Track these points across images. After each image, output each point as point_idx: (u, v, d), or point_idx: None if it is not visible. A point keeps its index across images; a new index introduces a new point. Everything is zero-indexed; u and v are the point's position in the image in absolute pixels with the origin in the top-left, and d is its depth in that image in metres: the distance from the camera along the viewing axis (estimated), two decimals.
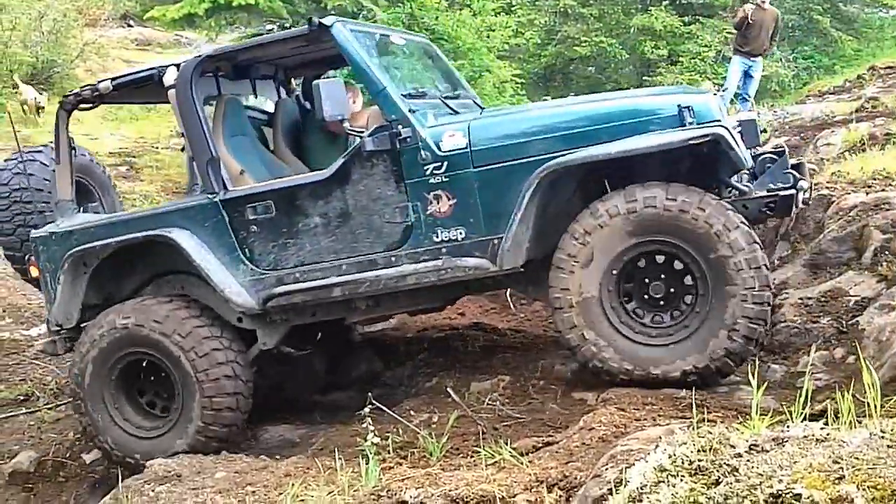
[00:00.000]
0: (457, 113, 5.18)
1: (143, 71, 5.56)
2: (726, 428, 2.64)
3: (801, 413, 3.08)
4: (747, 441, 2.41)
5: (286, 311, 5.36)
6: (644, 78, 19.58)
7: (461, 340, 6.23)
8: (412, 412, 5.09)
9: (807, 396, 3.16)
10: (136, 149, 14.40)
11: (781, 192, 4.69)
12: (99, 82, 5.62)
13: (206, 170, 5.24)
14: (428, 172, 4.83)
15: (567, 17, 21.26)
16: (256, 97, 6.39)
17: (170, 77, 5.29)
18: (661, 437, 3.10)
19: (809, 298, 5.19)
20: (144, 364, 5.44)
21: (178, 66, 5.30)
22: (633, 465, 2.64)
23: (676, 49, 19.65)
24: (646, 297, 4.67)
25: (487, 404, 4.90)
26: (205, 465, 4.77)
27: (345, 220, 5.05)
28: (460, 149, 4.79)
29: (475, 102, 5.84)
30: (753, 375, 3.21)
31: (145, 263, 5.63)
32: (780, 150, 4.98)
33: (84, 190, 6.50)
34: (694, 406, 3.72)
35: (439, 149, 4.81)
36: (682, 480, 2.34)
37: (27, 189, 6.10)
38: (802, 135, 8.97)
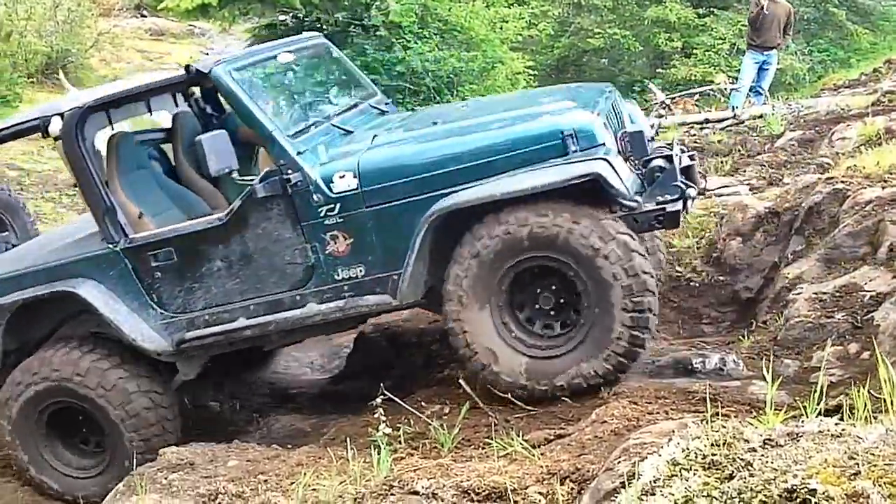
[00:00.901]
0: (350, 133, 5.22)
1: (28, 121, 5.43)
2: (740, 422, 2.63)
3: (816, 408, 3.07)
4: (761, 436, 2.40)
5: (202, 349, 5.39)
6: (658, 70, 19.51)
7: None
8: (423, 403, 5.09)
9: (821, 392, 3.15)
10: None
11: (668, 207, 4.70)
12: None
13: (104, 220, 5.21)
14: (322, 214, 4.87)
15: (581, 8, 21.21)
16: (151, 114, 6.27)
17: (55, 127, 5.19)
18: (674, 431, 3.09)
19: (824, 293, 5.16)
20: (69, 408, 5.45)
21: (62, 115, 5.18)
22: (646, 458, 2.64)
23: (690, 41, 19.54)
24: (538, 308, 4.77)
25: (499, 396, 4.89)
26: (217, 454, 4.78)
27: (247, 263, 5.08)
28: (351, 190, 4.82)
29: (372, 105, 5.83)
30: (767, 370, 3.20)
31: (58, 308, 5.56)
32: (667, 155, 4.93)
33: None
34: (708, 400, 3.71)
35: (331, 191, 4.84)
36: (695, 474, 2.33)
37: None
38: (817, 128, 8.91)
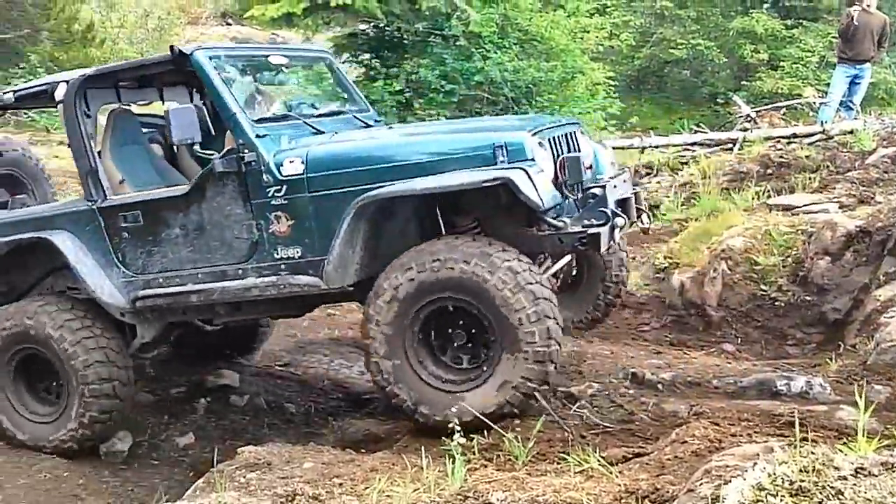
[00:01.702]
0: (320, 133, 5.53)
1: (39, 85, 6.04)
2: (829, 449, 2.56)
3: None
4: (853, 464, 2.33)
5: (155, 311, 5.78)
6: (742, 82, 19.21)
7: None
8: None
9: None
10: None
11: (590, 230, 4.92)
12: (4, 94, 6.18)
13: (87, 179, 5.69)
14: (270, 194, 5.20)
15: (663, 18, 21.00)
16: (163, 103, 6.67)
17: (59, 92, 5.69)
18: (759, 455, 3.03)
19: None
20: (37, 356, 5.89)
21: (68, 82, 5.69)
22: (730, 481, 2.58)
23: (777, 53, 19.19)
24: (450, 342, 4.97)
25: (574, 411, 4.84)
26: (294, 455, 4.82)
27: (201, 233, 5.47)
28: (298, 174, 5.15)
29: (357, 118, 6.10)
30: (858, 396, 3.11)
31: (42, 258, 6.02)
32: (603, 185, 5.17)
33: (16, 182, 7.03)
34: (796, 424, 3.61)
35: (280, 173, 5.17)
36: (781, 501, 2.28)
37: None
38: None
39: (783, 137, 10.38)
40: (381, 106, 13.69)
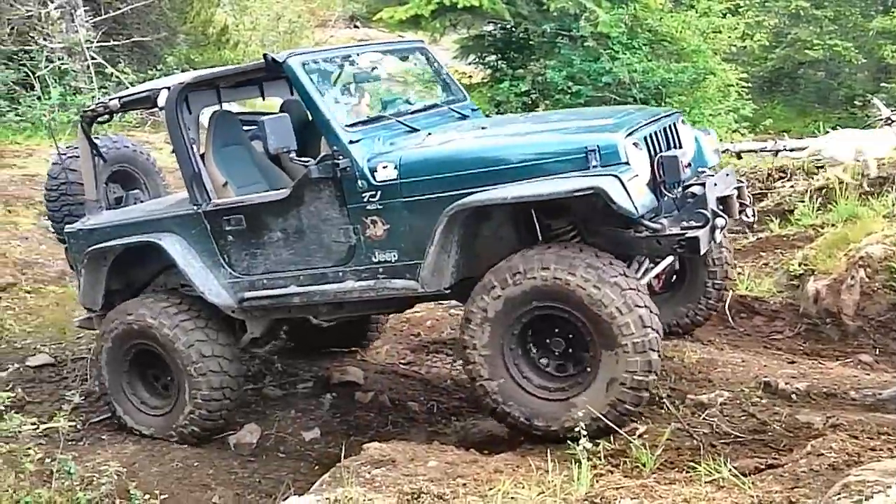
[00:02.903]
0: (415, 131, 5.56)
1: (143, 91, 6.22)
2: None
3: None
4: None
5: (260, 310, 5.95)
6: (881, 84, 18.48)
7: (677, 351, 6.05)
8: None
9: None
10: None
11: (688, 234, 4.80)
12: (110, 100, 6.32)
13: (191, 184, 5.83)
14: (365, 199, 5.24)
15: (798, 19, 20.38)
16: (264, 99, 6.87)
17: (161, 99, 5.84)
18: None
19: None
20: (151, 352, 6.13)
21: (169, 88, 5.84)
22: (871, 497, 2.51)
23: None
24: (550, 351, 4.95)
25: (704, 419, 4.75)
26: (418, 453, 4.86)
27: (300, 237, 5.58)
28: (391, 180, 5.17)
29: (453, 110, 6.11)
30: None
31: (155, 256, 6.16)
32: (703, 182, 5.00)
33: (129, 177, 7.19)
34: None
35: (374, 179, 5.20)
36: None
37: (71, 183, 6.84)
38: None
39: None
40: (507, 107, 13.74)
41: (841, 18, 19.88)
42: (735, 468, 3.82)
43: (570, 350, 4.90)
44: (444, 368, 7.27)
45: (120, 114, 6.53)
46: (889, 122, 11.51)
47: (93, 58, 13.69)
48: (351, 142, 5.29)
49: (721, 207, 5.00)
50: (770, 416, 4.67)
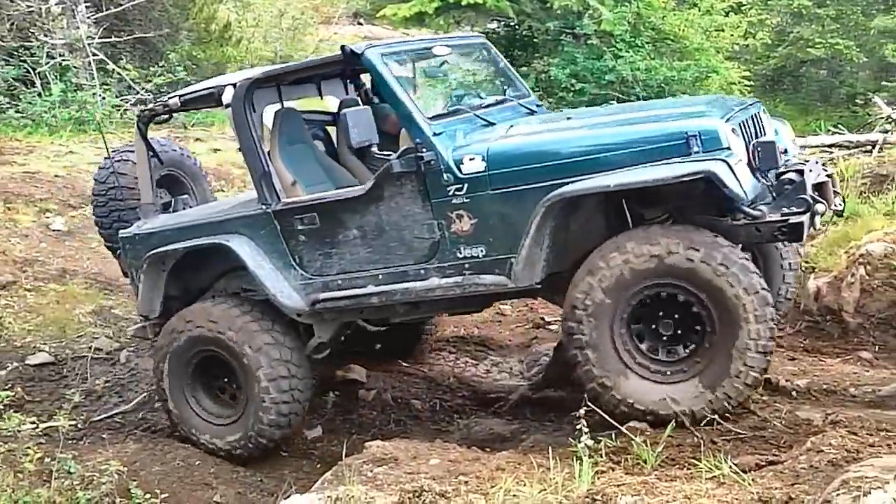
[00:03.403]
0: (491, 124, 5.41)
1: (205, 89, 5.99)
2: None
3: None
4: None
5: (334, 312, 5.74)
6: (883, 83, 18.45)
7: None
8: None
9: None
10: None
11: (791, 220, 4.67)
12: (169, 98, 6.12)
13: (260, 183, 5.64)
14: (450, 193, 5.09)
15: (801, 17, 20.33)
16: (322, 98, 6.70)
17: (227, 96, 5.67)
18: None
19: None
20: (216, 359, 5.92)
21: (234, 85, 5.67)
22: (870, 493, 2.54)
23: None
24: (657, 333, 4.80)
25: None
26: (420, 451, 4.89)
27: (379, 234, 5.38)
28: (479, 172, 5.01)
29: (521, 104, 5.98)
30: None
31: (217, 260, 6.05)
32: (800, 169, 4.87)
33: (176, 182, 6.97)
34: None
35: (460, 171, 5.05)
36: None
37: (120, 188, 6.63)
38: None
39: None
40: None
41: (842, 17, 19.81)
42: (735, 465, 3.85)
43: (681, 332, 4.76)
44: (447, 367, 7.30)
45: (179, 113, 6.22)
46: (890, 120, 11.50)
47: (94, 54, 13.65)
48: (435, 134, 5.14)
49: (816, 194, 4.84)
50: (770, 413, 4.70)
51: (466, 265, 5.19)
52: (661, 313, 4.76)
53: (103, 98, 13.17)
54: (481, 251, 5.13)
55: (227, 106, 5.69)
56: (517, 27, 14.67)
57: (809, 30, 19.86)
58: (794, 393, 5.07)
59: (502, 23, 14.73)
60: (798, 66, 21.04)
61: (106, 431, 6.45)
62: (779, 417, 4.61)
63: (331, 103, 6.89)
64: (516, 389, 6.77)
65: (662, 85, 13.22)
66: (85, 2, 14.00)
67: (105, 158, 6.89)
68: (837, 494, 2.89)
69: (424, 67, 5.99)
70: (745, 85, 15.20)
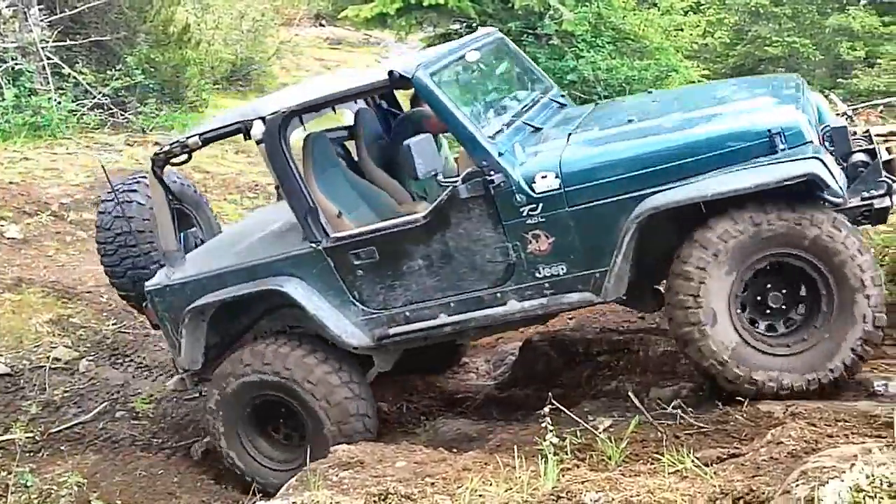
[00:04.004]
0: (539, 129, 5.29)
1: (229, 125, 5.56)
2: None
3: None
4: None
5: (400, 344, 5.53)
6: (838, 80, 18.71)
7: (642, 344, 6.12)
8: (590, 414, 5.07)
9: None
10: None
11: (877, 204, 4.63)
12: (188, 138, 5.63)
13: (307, 220, 5.34)
14: (524, 214, 4.93)
15: (758, 16, 20.56)
16: (335, 112, 6.45)
17: (257, 131, 5.31)
18: (856, 456, 2.98)
19: None
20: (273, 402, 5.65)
21: (263, 119, 5.30)
22: (827, 483, 2.57)
23: (875, 50, 18.63)
24: (763, 306, 4.72)
25: (669, 411, 4.81)
26: (386, 454, 4.88)
27: (447, 261, 5.17)
28: (554, 190, 4.86)
29: (552, 99, 5.86)
30: None
31: (255, 306, 5.83)
32: (871, 148, 4.78)
33: (180, 215, 6.48)
34: (895, 425, 3.54)
35: (533, 191, 4.89)
36: (880, 502, 2.25)
37: (130, 233, 6.15)
38: None
39: (880, 136, 10.05)
40: None
41: (799, 16, 20.05)
42: (698, 458, 3.88)
43: (792, 303, 4.69)
44: None
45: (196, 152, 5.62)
46: (846, 116, 11.66)
47: (49, 58, 13.41)
48: (500, 154, 4.95)
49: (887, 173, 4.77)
50: (732, 407, 4.73)
51: (546, 284, 5.03)
52: (769, 285, 4.69)
53: (59, 103, 12.93)
54: (562, 269, 4.98)
55: (259, 142, 5.36)
56: (479, 27, 14.69)
57: (767, 28, 20.09)
58: None
59: (464, 23, 14.73)
60: (756, 64, 21.22)
61: (65, 443, 6.34)
62: (740, 411, 4.64)
63: (345, 117, 6.66)
64: (483, 389, 6.79)
65: (623, 84, 13.30)
66: (38, 4, 13.75)
67: (104, 201, 6.41)
68: (797, 485, 2.92)
69: (462, 77, 5.69)
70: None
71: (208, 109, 14.74)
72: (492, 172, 4.91)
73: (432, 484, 4.21)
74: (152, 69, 14.28)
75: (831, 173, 4.47)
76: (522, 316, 5.14)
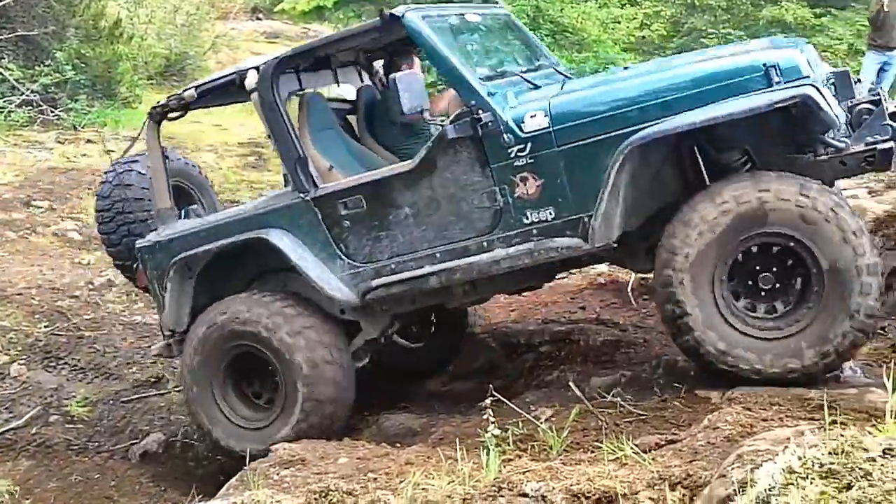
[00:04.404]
0: (537, 87, 5.13)
1: (224, 76, 5.62)
2: (858, 431, 2.57)
3: None
4: (881, 445, 2.35)
5: (386, 302, 5.42)
6: None
7: (583, 334, 6.19)
8: (532, 405, 5.09)
9: None
10: (264, 139, 14.72)
11: (879, 146, 4.50)
12: (184, 91, 5.69)
13: (295, 169, 5.32)
14: (512, 155, 4.82)
15: (694, 9, 20.84)
16: (339, 85, 6.43)
17: (251, 81, 5.34)
18: (790, 438, 3.04)
19: None
20: (249, 357, 5.55)
21: (257, 68, 5.34)
22: (761, 465, 2.61)
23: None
24: (753, 287, 4.57)
25: (609, 400, 4.85)
26: (328, 451, 4.86)
27: (434, 209, 5.09)
28: (543, 129, 4.76)
29: (557, 71, 5.76)
30: (888, 378, 3.10)
31: (246, 263, 5.75)
32: (876, 98, 4.75)
33: (182, 193, 6.60)
34: (826, 407, 3.61)
35: (521, 130, 4.79)
36: (812, 483, 2.30)
37: (127, 200, 6.27)
38: None
39: None
40: None
41: (733, 8, 20.36)
42: (637, 445, 3.91)
43: (782, 284, 4.53)
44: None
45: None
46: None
47: None
48: (490, 94, 4.88)
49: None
50: (670, 394, 4.80)
51: (535, 230, 4.89)
52: (757, 267, 4.54)
53: None
54: (550, 213, 4.84)
55: (252, 91, 5.34)
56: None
57: (703, 20, 20.35)
58: (692, 373, 5.18)
59: None
60: None
61: None
62: (678, 397, 4.72)
63: (347, 93, 6.60)
64: (425, 383, 6.78)
65: None
66: None
67: (106, 172, 6.54)
68: (732, 468, 2.97)
69: (460, 31, 5.52)
70: None
71: (142, 105, 14.48)
72: (480, 111, 4.84)
73: (375, 479, 4.20)
74: (83, 64, 14.02)
75: (827, 101, 4.37)
76: (510, 265, 4.96)
